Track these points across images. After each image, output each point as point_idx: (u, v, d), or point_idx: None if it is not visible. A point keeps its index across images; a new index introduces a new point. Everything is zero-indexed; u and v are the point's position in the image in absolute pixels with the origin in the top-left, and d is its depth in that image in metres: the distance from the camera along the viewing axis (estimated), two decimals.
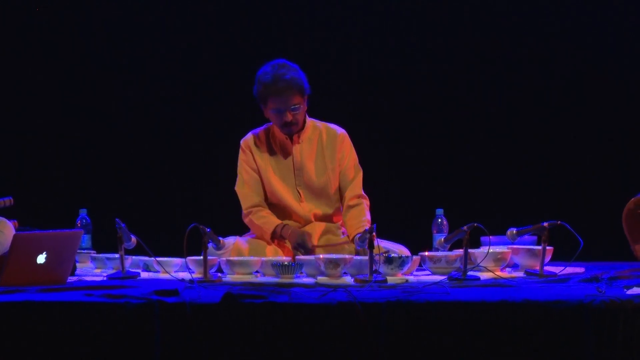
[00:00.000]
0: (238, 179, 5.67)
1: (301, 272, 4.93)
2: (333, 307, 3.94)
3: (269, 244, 5.53)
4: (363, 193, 5.64)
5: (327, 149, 5.63)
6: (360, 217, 5.52)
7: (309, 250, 5.35)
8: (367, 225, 5.38)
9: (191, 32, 7.08)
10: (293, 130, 5.56)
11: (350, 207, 5.61)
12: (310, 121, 5.66)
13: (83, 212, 5.68)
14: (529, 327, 3.89)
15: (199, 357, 3.93)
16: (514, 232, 4.99)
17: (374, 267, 4.63)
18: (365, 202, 5.62)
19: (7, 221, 4.90)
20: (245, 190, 5.62)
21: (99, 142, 7.10)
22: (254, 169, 5.63)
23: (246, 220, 5.61)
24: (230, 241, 5.42)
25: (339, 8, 7.05)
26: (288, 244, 5.47)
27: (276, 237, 5.50)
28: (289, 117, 5.50)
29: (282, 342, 3.93)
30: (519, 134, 6.97)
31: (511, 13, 6.96)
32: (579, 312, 3.86)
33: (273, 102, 5.48)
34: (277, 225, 5.50)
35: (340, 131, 5.67)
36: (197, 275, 4.84)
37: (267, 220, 5.53)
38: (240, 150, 5.67)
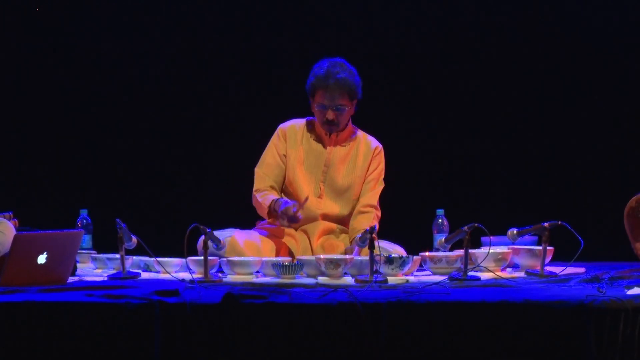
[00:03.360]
0: (261, 159, 5.65)
1: (302, 273, 4.94)
2: (334, 308, 3.94)
3: (274, 237, 5.51)
4: (377, 205, 5.64)
5: (361, 158, 5.64)
6: (367, 223, 5.50)
7: (293, 218, 5.31)
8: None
9: (191, 32, 7.07)
10: (333, 129, 5.55)
11: (360, 212, 5.61)
12: (352, 127, 5.66)
13: (84, 212, 5.68)
14: (530, 327, 3.89)
15: (199, 357, 3.93)
16: (515, 232, 4.99)
17: (374, 268, 4.63)
18: (376, 213, 5.61)
19: (7, 222, 4.90)
20: (264, 172, 5.61)
21: (99, 143, 7.09)
22: (281, 156, 5.62)
23: (253, 201, 5.60)
24: (226, 235, 5.38)
25: (339, 8, 7.04)
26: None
27: (272, 213, 5.47)
28: (331, 115, 5.49)
29: (283, 342, 3.93)
30: (520, 133, 6.97)
31: (509, 12, 6.95)
32: (579, 313, 3.87)
33: (320, 96, 5.49)
34: (272, 201, 5.48)
35: (377, 144, 5.69)
36: (197, 275, 4.84)
37: (267, 197, 5.52)
38: (275, 134, 5.66)
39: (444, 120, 7.03)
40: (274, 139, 5.67)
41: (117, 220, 4.87)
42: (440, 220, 5.52)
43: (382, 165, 5.69)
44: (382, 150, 5.70)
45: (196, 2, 7.07)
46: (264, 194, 5.55)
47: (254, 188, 5.61)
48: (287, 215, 5.33)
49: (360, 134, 5.70)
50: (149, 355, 3.93)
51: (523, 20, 6.95)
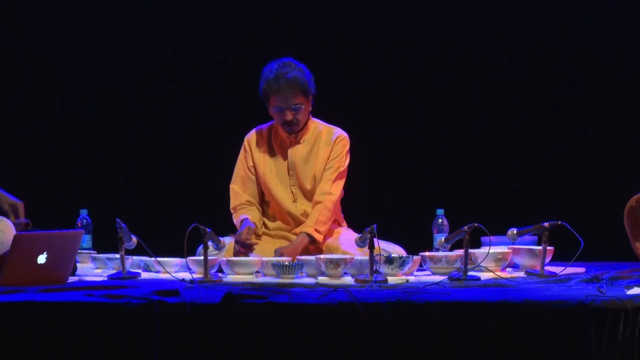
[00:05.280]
0: (234, 174, 5.67)
1: (302, 272, 4.94)
2: (333, 307, 3.94)
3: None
4: (331, 190, 5.53)
5: (321, 150, 5.60)
6: (317, 214, 5.45)
7: (245, 245, 5.26)
8: (313, 229, 5.39)
9: (190, 32, 7.07)
10: (293, 129, 5.54)
11: (316, 202, 5.54)
12: (313, 122, 5.64)
13: (84, 212, 5.68)
14: (530, 327, 3.89)
15: (199, 357, 3.93)
16: (515, 232, 4.99)
17: (374, 268, 4.63)
18: (329, 199, 5.52)
19: (7, 221, 4.89)
20: (239, 188, 5.62)
21: (99, 142, 7.10)
22: (250, 167, 5.63)
23: (233, 219, 5.62)
24: (226, 241, 5.40)
25: (340, 7, 7.04)
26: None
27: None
28: (289, 116, 5.48)
29: (283, 342, 3.93)
30: (519, 133, 6.97)
31: (506, 12, 6.95)
32: (579, 312, 3.87)
33: (274, 100, 5.48)
34: (240, 221, 5.49)
35: (339, 133, 5.62)
36: (197, 275, 4.84)
37: (239, 218, 5.55)
38: (242, 147, 5.68)
39: (444, 120, 7.02)
40: (241, 152, 5.67)
41: (117, 220, 4.87)
42: (440, 220, 5.52)
43: (343, 155, 5.57)
44: (346, 139, 5.60)
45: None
46: (238, 214, 5.57)
47: (231, 206, 5.63)
48: (240, 242, 5.30)
49: (322, 126, 5.65)
50: (149, 355, 3.93)
51: (522, 18, 6.95)
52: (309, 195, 5.60)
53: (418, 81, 7.02)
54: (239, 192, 5.62)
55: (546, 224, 4.88)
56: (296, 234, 5.51)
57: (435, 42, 6.99)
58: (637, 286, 4.24)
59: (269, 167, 5.61)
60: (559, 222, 4.87)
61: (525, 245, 5.24)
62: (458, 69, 6.99)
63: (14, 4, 7.04)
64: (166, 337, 3.94)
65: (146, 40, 7.07)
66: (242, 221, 5.49)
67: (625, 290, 4.16)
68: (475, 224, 4.77)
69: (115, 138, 7.11)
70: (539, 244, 5.18)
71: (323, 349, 3.92)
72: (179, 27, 7.08)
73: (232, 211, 5.63)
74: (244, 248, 5.29)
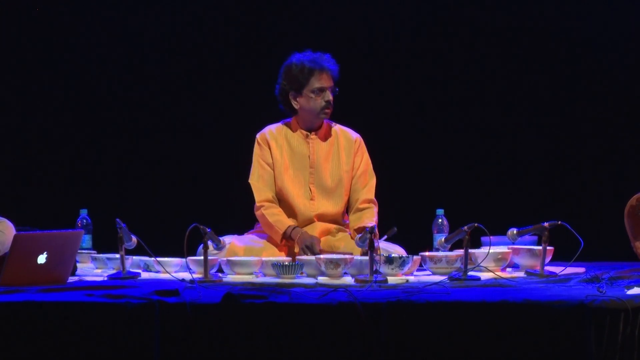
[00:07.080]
0: (252, 171, 5.65)
1: (302, 272, 4.94)
2: (333, 308, 3.94)
3: (276, 245, 5.50)
4: (374, 199, 5.64)
5: (344, 152, 5.64)
6: (368, 219, 5.50)
7: (316, 254, 5.31)
8: (372, 224, 5.40)
9: (190, 32, 7.07)
10: (329, 113, 5.55)
11: (360, 209, 5.59)
12: (326, 122, 5.66)
13: (84, 212, 5.68)
14: (530, 327, 3.89)
15: (199, 357, 3.93)
16: (515, 232, 4.99)
17: (374, 267, 4.63)
18: (375, 208, 5.60)
19: (7, 221, 4.90)
20: (260, 184, 5.60)
21: (99, 142, 7.10)
22: (269, 164, 5.62)
23: (258, 214, 5.59)
24: (226, 241, 5.40)
25: (337, 8, 7.05)
26: (296, 247, 5.45)
27: (286, 237, 5.48)
28: (329, 96, 5.51)
29: (282, 342, 3.94)
30: (520, 133, 6.97)
31: (505, 12, 6.96)
32: (579, 312, 3.87)
33: (317, 79, 5.51)
34: (288, 227, 5.48)
35: (356, 136, 5.69)
36: (197, 275, 4.84)
37: (279, 219, 5.51)
38: (256, 144, 5.66)
39: (444, 120, 7.03)
40: (256, 149, 5.65)
41: (117, 220, 4.87)
42: (440, 220, 5.52)
43: (367, 156, 5.68)
44: (362, 141, 5.70)
45: None
46: (272, 213, 5.53)
47: (257, 200, 5.59)
48: (311, 252, 5.33)
49: (337, 127, 5.70)
50: (149, 355, 3.93)
51: (523, 19, 6.95)
52: (327, 193, 5.60)
53: (418, 81, 7.02)
54: (262, 187, 5.60)
55: (546, 224, 4.88)
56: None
57: (435, 42, 6.99)
58: (637, 286, 4.25)
59: (285, 165, 5.61)
60: (559, 222, 4.87)
61: (525, 245, 5.24)
62: (458, 69, 6.99)
63: (14, 3, 7.04)
64: (166, 337, 3.94)
65: (147, 40, 7.07)
66: (293, 228, 5.46)
67: (625, 290, 4.17)
68: (475, 224, 4.77)
69: (116, 138, 7.10)
70: (539, 244, 5.18)
71: (323, 349, 3.92)
72: (178, 27, 7.07)
73: (259, 205, 5.57)
74: (313, 254, 5.30)
